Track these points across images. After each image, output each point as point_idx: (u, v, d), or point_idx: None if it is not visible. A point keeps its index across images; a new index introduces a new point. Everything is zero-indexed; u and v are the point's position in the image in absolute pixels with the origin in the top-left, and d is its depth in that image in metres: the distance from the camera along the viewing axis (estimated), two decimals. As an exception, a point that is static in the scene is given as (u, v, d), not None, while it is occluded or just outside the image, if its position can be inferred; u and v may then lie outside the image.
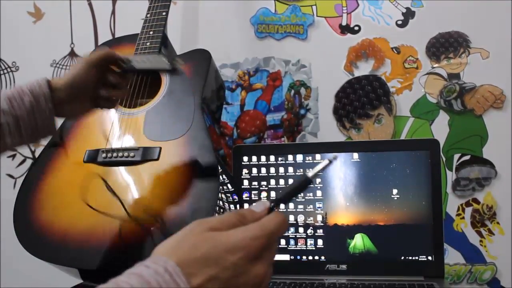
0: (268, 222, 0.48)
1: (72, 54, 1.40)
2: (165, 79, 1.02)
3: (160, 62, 0.86)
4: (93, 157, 0.94)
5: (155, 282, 0.41)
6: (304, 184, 0.54)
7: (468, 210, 1.20)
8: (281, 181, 1.04)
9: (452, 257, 1.19)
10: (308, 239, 1.02)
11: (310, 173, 0.54)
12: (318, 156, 1.03)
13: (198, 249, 0.44)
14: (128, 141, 0.95)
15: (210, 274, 0.43)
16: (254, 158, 1.06)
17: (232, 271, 0.44)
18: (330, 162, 0.54)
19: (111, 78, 0.84)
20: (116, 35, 1.38)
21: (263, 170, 1.05)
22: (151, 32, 1.08)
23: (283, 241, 1.02)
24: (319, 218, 1.01)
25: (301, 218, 1.02)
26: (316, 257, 1.01)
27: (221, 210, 0.86)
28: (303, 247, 1.02)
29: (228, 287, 0.44)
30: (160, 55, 0.88)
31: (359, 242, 0.99)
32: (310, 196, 1.02)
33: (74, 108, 0.83)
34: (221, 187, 0.87)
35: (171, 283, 0.41)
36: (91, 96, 0.84)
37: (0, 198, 1.41)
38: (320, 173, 0.60)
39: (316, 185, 1.02)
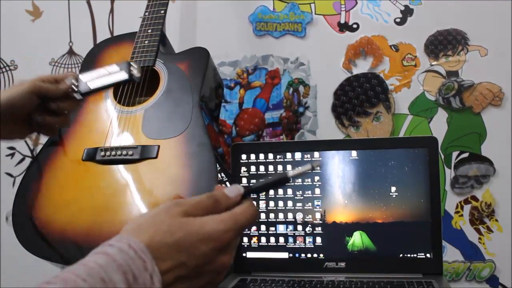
0: (241, 215, 0.49)
1: (71, 52, 1.40)
2: (164, 77, 1.02)
3: (115, 74, 0.79)
4: (91, 156, 0.94)
5: (121, 259, 0.41)
6: (282, 181, 0.54)
7: (467, 208, 1.20)
8: (280, 179, 1.04)
9: (451, 254, 1.19)
10: (306, 237, 1.02)
11: (291, 172, 0.53)
12: (316, 154, 1.03)
13: (172, 234, 0.45)
14: (126, 139, 0.95)
15: (180, 261, 0.45)
16: (253, 156, 1.06)
17: (201, 259, 0.46)
18: (313, 168, 0.54)
19: (52, 105, 0.79)
20: (115, 34, 1.38)
21: (262, 168, 1.05)
22: (149, 31, 1.08)
23: (281, 239, 1.02)
24: (318, 216, 1.02)
25: (299, 216, 1.02)
26: (315, 255, 1.01)
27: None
28: (302, 245, 1.02)
29: (194, 274, 0.46)
30: (113, 65, 0.80)
31: (357, 239, 0.99)
32: (308, 194, 1.02)
33: (7, 129, 0.78)
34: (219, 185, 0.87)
35: (136, 259, 0.42)
36: (27, 120, 0.79)
37: (0, 197, 1.41)
38: (300, 176, 0.60)
39: (314, 183, 1.02)
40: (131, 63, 0.78)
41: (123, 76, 0.78)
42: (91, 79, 0.78)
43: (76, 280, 0.39)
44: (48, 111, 0.79)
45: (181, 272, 0.45)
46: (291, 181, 0.53)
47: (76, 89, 0.78)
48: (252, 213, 0.50)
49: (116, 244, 0.43)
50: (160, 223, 0.46)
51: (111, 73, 0.78)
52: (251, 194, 0.53)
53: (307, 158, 1.03)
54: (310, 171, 0.54)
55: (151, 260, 0.43)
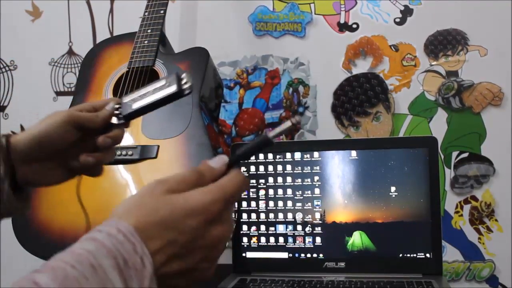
0: (228, 184, 0.47)
1: (71, 52, 1.40)
2: (163, 77, 1.02)
3: (162, 89, 0.64)
4: (91, 156, 0.94)
5: (110, 244, 0.41)
6: (263, 144, 0.52)
7: (467, 208, 1.20)
8: (279, 179, 1.04)
9: (451, 254, 1.19)
10: (306, 237, 1.02)
11: (271, 133, 0.51)
12: (316, 154, 1.03)
13: (157, 212, 0.44)
14: (126, 139, 0.95)
15: (169, 239, 0.43)
16: (253, 156, 1.06)
17: (190, 235, 0.44)
18: (293, 124, 0.51)
19: (99, 139, 0.64)
20: (114, 34, 1.38)
21: (261, 168, 1.05)
22: (149, 31, 1.08)
23: (281, 239, 1.02)
24: (317, 216, 1.02)
25: (299, 216, 1.02)
26: (315, 255, 1.01)
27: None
28: (302, 245, 1.02)
29: (186, 250, 0.44)
30: (160, 80, 0.65)
31: (357, 239, 0.99)
32: (308, 194, 1.02)
33: (40, 172, 0.64)
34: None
35: (125, 243, 0.41)
36: (64, 161, 0.65)
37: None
38: (281, 135, 0.58)
39: (314, 183, 1.02)
40: (181, 76, 0.63)
41: (172, 89, 0.63)
42: (135, 100, 0.65)
43: (65, 268, 0.38)
44: (88, 148, 0.65)
45: (172, 250, 0.43)
46: (273, 144, 0.51)
47: (117, 113, 0.65)
48: (240, 180, 0.48)
49: (104, 229, 0.42)
50: (145, 203, 0.45)
51: (157, 88, 0.64)
52: (237, 163, 0.51)
53: (307, 158, 1.03)
54: (291, 128, 0.52)
55: (140, 242, 0.42)
